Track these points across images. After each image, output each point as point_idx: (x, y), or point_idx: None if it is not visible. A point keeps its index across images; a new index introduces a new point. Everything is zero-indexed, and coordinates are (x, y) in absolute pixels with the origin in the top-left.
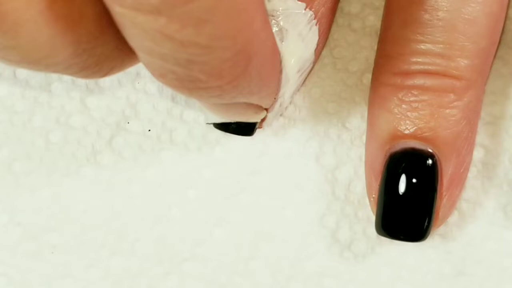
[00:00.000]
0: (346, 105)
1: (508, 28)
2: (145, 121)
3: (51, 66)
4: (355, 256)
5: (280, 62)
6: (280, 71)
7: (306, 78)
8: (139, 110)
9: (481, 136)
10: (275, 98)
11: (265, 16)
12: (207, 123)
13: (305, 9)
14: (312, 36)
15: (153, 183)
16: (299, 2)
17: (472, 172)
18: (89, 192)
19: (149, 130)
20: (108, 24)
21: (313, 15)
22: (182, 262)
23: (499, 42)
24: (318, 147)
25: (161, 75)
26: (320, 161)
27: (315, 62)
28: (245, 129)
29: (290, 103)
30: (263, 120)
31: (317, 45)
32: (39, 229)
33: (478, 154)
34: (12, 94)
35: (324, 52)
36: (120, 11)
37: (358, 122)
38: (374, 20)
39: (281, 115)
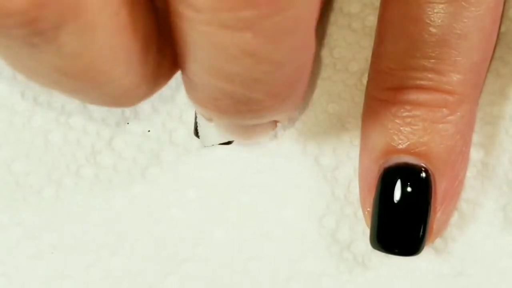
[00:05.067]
0: (346, 105)
1: (508, 28)
2: (145, 122)
3: (103, 84)
4: (355, 256)
5: None
6: None
7: None
8: (139, 111)
9: (481, 136)
10: None
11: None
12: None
13: None
14: None
15: (153, 183)
16: None
17: (472, 172)
18: (89, 192)
19: (149, 131)
20: (152, 41)
21: None
22: (182, 262)
23: (499, 42)
24: (317, 147)
25: (214, 100)
26: (319, 161)
27: None
28: None
29: None
30: None
31: None
32: (39, 229)
33: (478, 154)
34: (12, 94)
35: (324, 53)
36: (205, 30)
37: (357, 122)
38: (374, 20)
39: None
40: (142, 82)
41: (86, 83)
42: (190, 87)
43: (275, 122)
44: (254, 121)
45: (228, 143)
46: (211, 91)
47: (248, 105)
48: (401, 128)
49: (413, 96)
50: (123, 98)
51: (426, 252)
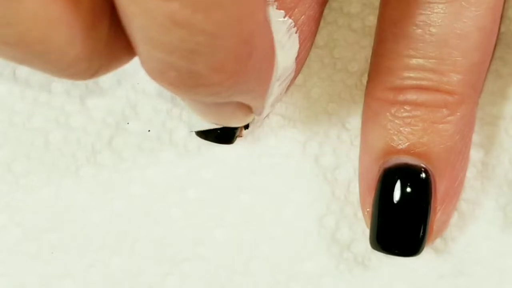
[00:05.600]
0: (345, 105)
1: (508, 28)
2: (145, 122)
3: (44, 54)
4: (355, 256)
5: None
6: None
7: (287, 87)
8: (139, 110)
9: (481, 136)
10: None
11: (266, 10)
12: (190, 131)
13: (284, 17)
14: (292, 44)
15: (153, 183)
16: (278, 10)
17: (472, 172)
18: (89, 192)
19: (149, 131)
20: (102, 15)
21: (293, 24)
22: (182, 262)
23: (499, 42)
24: (317, 147)
25: (161, 73)
26: (319, 161)
27: (298, 71)
28: (225, 137)
29: (270, 112)
30: (244, 127)
31: (298, 53)
32: (39, 229)
33: (478, 154)
34: (12, 94)
35: (324, 52)
36: None
37: (357, 122)
38: (374, 20)
39: (259, 125)
40: (93, 55)
41: (26, 52)
42: (139, 59)
43: (248, 107)
44: (211, 99)
45: (227, 142)
46: (155, 63)
47: (194, 78)
48: (401, 128)
49: (413, 96)
50: (73, 70)
51: (426, 252)
